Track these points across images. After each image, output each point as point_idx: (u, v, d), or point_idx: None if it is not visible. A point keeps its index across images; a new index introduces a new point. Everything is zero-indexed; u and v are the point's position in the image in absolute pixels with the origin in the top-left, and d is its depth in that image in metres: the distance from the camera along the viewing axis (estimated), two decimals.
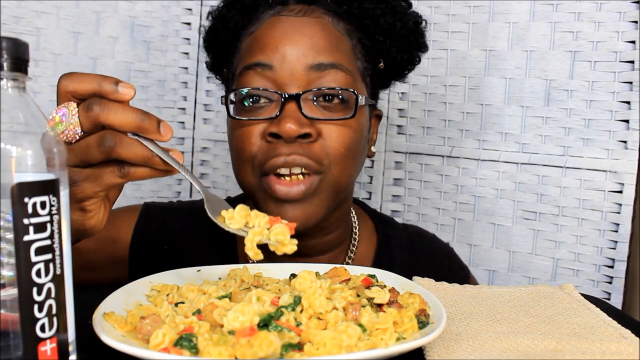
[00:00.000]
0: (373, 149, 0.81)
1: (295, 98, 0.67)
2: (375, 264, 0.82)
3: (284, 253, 0.49)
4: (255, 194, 0.72)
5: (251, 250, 0.48)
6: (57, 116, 0.49)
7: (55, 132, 0.49)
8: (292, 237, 0.50)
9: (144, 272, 0.59)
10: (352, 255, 0.82)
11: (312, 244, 0.77)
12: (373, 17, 0.75)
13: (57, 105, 0.50)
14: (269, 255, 0.83)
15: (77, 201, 0.50)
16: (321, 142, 0.69)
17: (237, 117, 0.70)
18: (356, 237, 0.83)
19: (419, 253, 0.87)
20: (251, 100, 0.69)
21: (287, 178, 0.68)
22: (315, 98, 0.69)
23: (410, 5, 0.80)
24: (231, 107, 0.72)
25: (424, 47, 0.82)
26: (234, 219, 0.49)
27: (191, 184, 1.34)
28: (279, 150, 0.67)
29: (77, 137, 0.49)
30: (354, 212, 0.86)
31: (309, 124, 0.67)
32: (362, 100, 0.71)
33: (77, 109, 0.49)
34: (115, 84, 0.48)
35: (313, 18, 0.71)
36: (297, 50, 0.68)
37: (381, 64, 0.79)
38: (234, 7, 0.77)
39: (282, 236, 0.48)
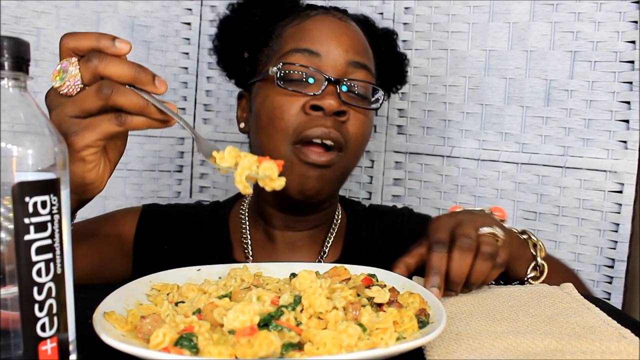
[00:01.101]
0: None
1: (337, 82, 0.78)
2: (348, 233, 0.91)
3: (273, 189, 0.50)
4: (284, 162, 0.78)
5: (240, 183, 0.49)
6: (60, 67, 0.53)
7: (57, 83, 0.53)
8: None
9: (148, 267, 0.61)
10: (335, 227, 0.91)
11: (310, 218, 0.87)
12: (375, 41, 0.88)
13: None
14: (269, 254, 0.86)
15: (77, 151, 0.53)
16: (347, 124, 0.79)
17: (284, 87, 0.78)
18: (339, 211, 0.93)
19: (381, 215, 0.96)
20: (295, 77, 0.79)
21: (319, 149, 0.77)
22: (347, 88, 0.80)
23: (396, 42, 0.96)
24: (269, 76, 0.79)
25: (404, 81, 0.99)
26: (224, 159, 0.51)
27: (191, 183, 1.35)
28: (318, 121, 0.76)
29: (78, 89, 0.53)
30: None
31: (344, 105, 0.78)
32: (382, 98, 0.84)
33: (77, 63, 0.53)
34: (112, 40, 0.52)
35: (352, 25, 0.84)
36: (341, 46, 0.80)
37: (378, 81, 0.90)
38: (261, 6, 0.87)
39: (270, 171, 0.50)
